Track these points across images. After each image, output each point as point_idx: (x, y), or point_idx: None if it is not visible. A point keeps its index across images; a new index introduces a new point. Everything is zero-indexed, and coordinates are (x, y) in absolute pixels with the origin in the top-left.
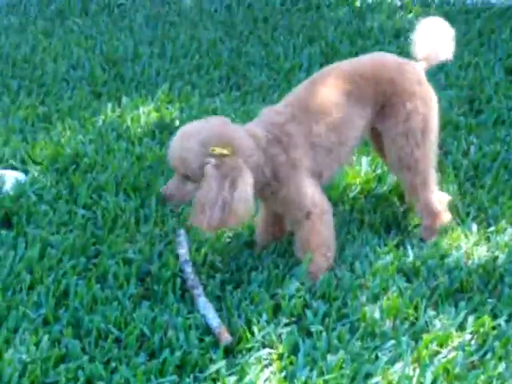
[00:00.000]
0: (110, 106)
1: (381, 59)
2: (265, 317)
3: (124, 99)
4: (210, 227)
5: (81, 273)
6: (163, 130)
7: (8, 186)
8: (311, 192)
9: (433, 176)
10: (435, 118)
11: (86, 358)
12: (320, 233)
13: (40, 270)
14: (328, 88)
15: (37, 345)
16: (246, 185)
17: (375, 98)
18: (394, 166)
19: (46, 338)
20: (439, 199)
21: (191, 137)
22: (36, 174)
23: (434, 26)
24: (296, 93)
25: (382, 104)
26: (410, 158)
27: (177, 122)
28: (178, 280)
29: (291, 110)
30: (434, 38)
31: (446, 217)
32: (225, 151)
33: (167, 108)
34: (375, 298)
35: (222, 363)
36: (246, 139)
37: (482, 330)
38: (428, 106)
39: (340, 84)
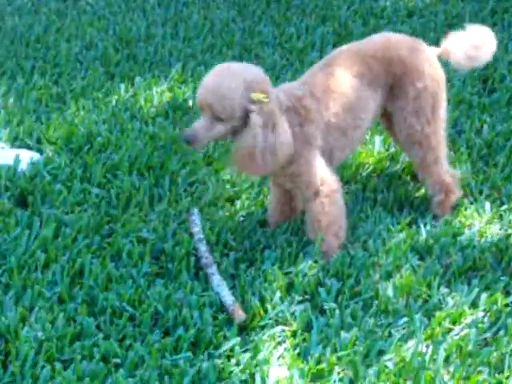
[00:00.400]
0: (123, 86)
1: (391, 39)
2: (278, 294)
3: (137, 79)
4: (260, 173)
5: (95, 251)
6: (176, 110)
7: (23, 166)
8: (321, 170)
9: (444, 152)
10: (444, 95)
11: (101, 335)
12: (330, 213)
13: (55, 249)
14: (342, 70)
15: (52, 323)
16: (285, 127)
17: (386, 80)
18: (406, 143)
19: (61, 315)
20: (452, 174)
21: (236, 77)
22: (50, 154)
23: (481, 35)
24: (311, 73)
25: (393, 84)
26: (421, 134)
27: (190, 102)
28: (192, 258)
29: (309, 87)
30: (467, 44)
31: (458, 192)
32: (263, 98)
33: (180, 88)
34: (388, 276)
35: (235, 340)
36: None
37: (494, 307)
38: (437, 84)
39: (353, 66)
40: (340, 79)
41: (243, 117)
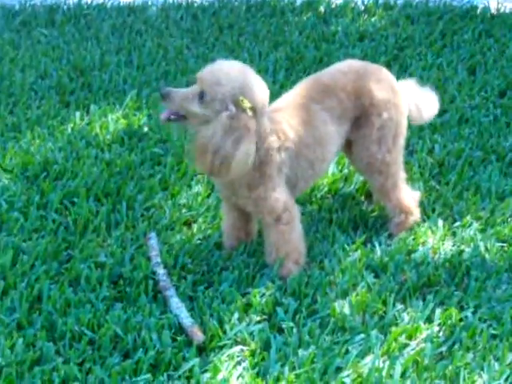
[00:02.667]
0: (78, 114)
1: (359, 71)
2: (236, 315)
3: (92, 107)
4: (208, 172)
5: (53, 277)
6: (132, 137)
7: None
8: (285, 197)
9: (402, 176)
10: (405, 122)
11: (60, 359)
12: (290, 241)
13: (13, 276)
14: (314, 102)
15: (11, 348)
16: (250, 144)
17: (354, 112)
18: (366, 171)
19: (20, 341)
20: (412, 196)
21: (241, 75)
22: (6, 182)
23: (429, 97)
24: (284, 102)
25: (359, 116)
26: (382, 163)
27: (145, 129)
28: (150, 282)
29: (284, 114)
30: (419, 96)
31: (416, 214)
32: (249, 110)
33: (135, 115)
34: (344, 294)
35: (195, 361)
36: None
37: (449, 321)
38: (400, 112)
39: (325, 99)
40: (312, 112)
41: (217, 114)
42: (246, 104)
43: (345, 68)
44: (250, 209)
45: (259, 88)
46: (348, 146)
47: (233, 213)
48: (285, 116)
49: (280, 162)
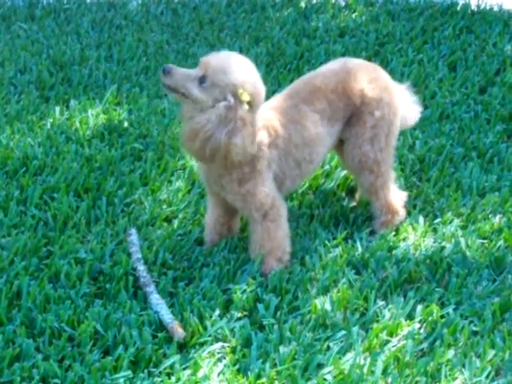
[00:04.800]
0: (58, 109)
1: (351, 71)
2: (217, 311)
3: (72, 102)
4: (195, 157)
5: (33, 273)
6: (112, 132)
7: None
8: (273, 194)
9: (392, 176)
10: (398, 122)
11: (40, 356)
12: (275, 238)
13: None
14: (305, 104)
15: None
16: (247, 136)
17: (345, 113)
18: (356, 169)
19: None
20: (399, 197)
21: (244, 68)
22: None
23: (412, 105)
24: (276, 102)
25: (351, 115)
26: (373, 162)
27: (125, 124)
28: (131, 278)
29: (275, 112)
30: (407, 102)
31: (402, 214)
32: (246, 103)
33: (115, 110)
34: (326, 290)
35: (175, 358)
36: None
37: (430, 318)
38: (393, 112)
39: (315, 101)
40: (303, 113)
41: (215, 101)
42: (245, 97)
43: (337, 67)
44: (238, 204)
45: (259, 84)
46: (340, 145)
47: (218, 208)
48: (276, 114)
49: (270, 158)
